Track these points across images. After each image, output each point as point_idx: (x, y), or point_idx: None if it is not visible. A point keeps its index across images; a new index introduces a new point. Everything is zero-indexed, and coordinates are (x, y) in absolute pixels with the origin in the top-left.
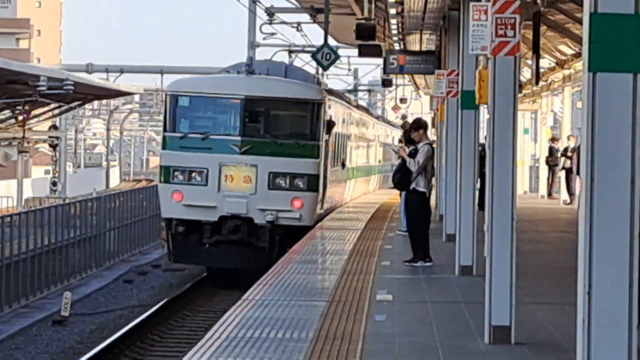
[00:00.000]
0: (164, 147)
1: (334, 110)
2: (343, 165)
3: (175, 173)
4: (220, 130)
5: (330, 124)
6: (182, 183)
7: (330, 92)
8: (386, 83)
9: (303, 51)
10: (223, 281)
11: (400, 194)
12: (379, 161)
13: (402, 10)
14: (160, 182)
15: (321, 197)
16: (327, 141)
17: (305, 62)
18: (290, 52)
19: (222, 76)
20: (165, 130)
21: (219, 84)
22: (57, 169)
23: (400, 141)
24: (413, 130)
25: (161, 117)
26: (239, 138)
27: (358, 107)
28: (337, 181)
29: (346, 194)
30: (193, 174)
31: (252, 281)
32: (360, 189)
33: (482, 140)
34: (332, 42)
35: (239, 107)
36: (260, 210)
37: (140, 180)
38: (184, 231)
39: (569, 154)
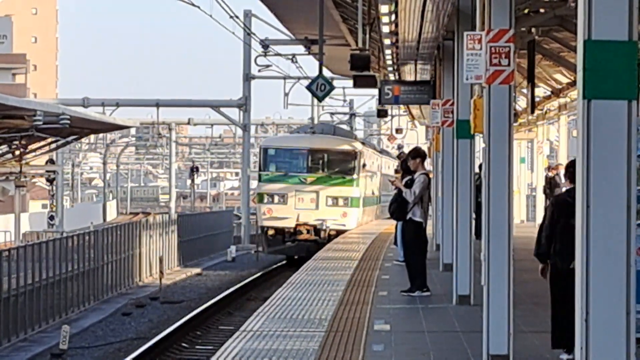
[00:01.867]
0: (259, 180)
1: (366, 155)
2: (372, 192)
3: (267, 197)
4: (295, 170)
5: (364, 165)
6: (271, 203)
7: (363, 143)
8: (381, 114)
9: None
10: (297, 263)
11: (396, 224)
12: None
13: (397, 41)
14: (257, 202)
15: (360, 212)
16: (361, 176)
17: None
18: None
19: (295, 135)
20: (260, 170)
21: (293, 140)
22: (54, 203)
23: (396, 171)
24: (410, 159)
25: (157, 150)
26: (306, 174)
27: (382, 151)
28: (367, 204)
29: (373, 213)
30: (278, 197)
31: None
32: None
33: (477, 170)
34: (327, 73)
35: (306, 155)
36: (321, 220)
37: (137, 214)
38: (274, 234)
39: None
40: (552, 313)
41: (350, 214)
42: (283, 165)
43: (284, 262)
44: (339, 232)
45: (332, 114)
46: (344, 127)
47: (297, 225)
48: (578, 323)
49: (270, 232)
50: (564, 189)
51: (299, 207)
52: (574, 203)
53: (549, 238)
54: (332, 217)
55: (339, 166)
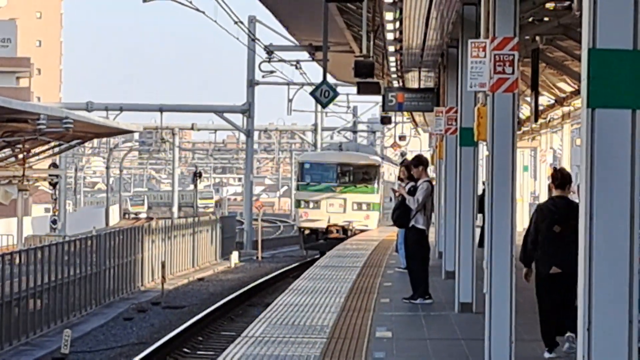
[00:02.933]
0: (297, 189)
1: (385, 168)
2: (391, 199)
3: (304, 202)
4: (326, 180)
5: (383, 176)
6: (307, 207)
7: (383, 157)
8: (385, 120)
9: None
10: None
11: (397, 232)
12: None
13: (401, 48)
14: (296, 207)
15: (379, 215)
16: (381, 185)
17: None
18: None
19: (326, 152)
20: (298, 180)
21: (325, 156)
22: (57, 207)
23: (399, 178)
24: (413, 167)
25: (160, 155)
26: (336, 184)
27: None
28: (387, 208)
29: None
30: (313, 203)
31: None
32: None
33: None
34: (331, 79)
35: (335, 168)
36: (348, 221)
37: (139, 218)
38: (309, 233)
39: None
40: (539, 316)
41: (372, 216)
42: (316, 176)
43: (286, 268)
44: (362, 231)
45: (354, 131)
46: (365, 143)
47: (328, 225)
48: (580, 332)
49: (307, 231)
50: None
51: (330, 210)
52: (557, 211)
53: (533, 243)
54: (357, 219)
55: (362, 177)
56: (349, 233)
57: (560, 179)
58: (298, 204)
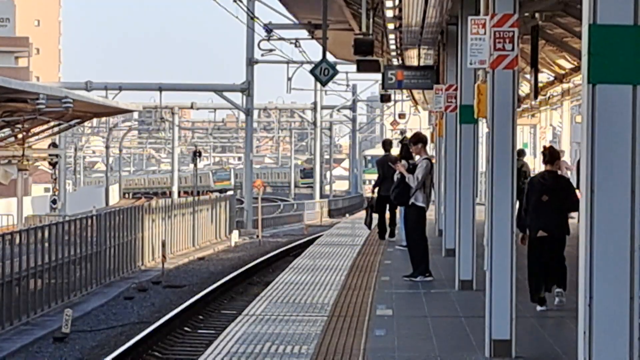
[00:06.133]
0: (364, 172)
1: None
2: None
3: (367, 181)
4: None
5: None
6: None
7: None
8: (385, 98)
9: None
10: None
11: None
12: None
13: (400, 25)
14: (362, 184)
15: None
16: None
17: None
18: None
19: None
20: (364, 167)
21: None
22: (57, 187)
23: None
24: (412, 144)
25: (160, 134)
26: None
27: None
28: None
29: None
30: (368, 182)
31: None
32: None
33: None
34: (330, 57)
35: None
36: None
37: (139, 198)
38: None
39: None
40: (528, 273)
41: None
42: (372, 164)
43: (287, 246)
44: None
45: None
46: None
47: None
48: (581, 308)
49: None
50: (568, 173)
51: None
52: (545, 183)
53: (526, 211)
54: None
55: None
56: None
57: (549, 155)
58: (363, 182)
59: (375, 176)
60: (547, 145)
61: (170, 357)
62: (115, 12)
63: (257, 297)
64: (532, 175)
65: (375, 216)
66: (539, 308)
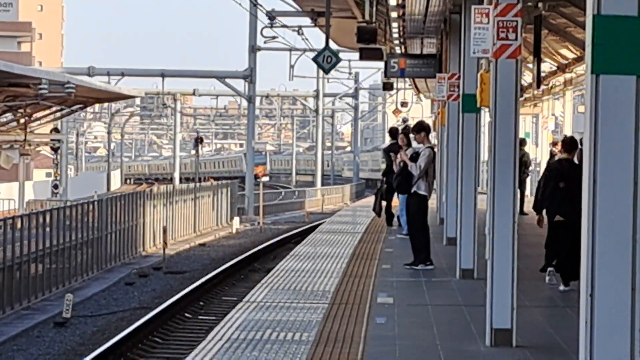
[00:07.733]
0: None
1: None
2: None
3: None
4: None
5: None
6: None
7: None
8: (387, 86)
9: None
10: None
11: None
12: None
13: (403, 14)
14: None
15: None
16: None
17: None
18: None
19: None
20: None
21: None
22: (59, 172)
23: (399, 145)
24: (415, 133)
25: (162, 120)
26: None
27: None
28: None
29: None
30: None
31: None
32: None
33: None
34: (333, 45)
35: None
36: None
37: (141, 183)
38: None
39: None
40: (545, 247)
41: None
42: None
43: (288, 233)
44: None
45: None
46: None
47: None
48: (583, 298)
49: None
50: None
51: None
52: (562, 169)
53: (542, 195)
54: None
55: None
56: None
57: (570, 144)
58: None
59: None
60: (560, 133)
61: (170, 343)
62: None
63: (258, 284)
64: (532, 164)
65: (384, 204)
66: (547, 279)
